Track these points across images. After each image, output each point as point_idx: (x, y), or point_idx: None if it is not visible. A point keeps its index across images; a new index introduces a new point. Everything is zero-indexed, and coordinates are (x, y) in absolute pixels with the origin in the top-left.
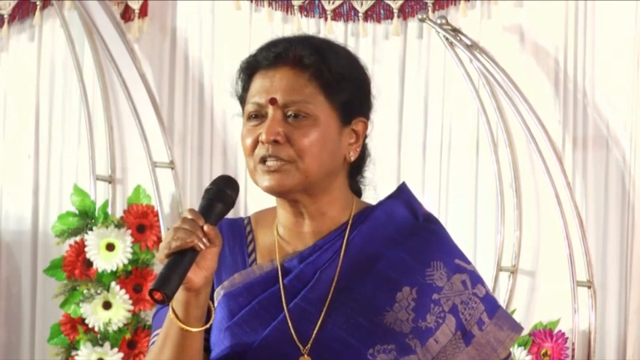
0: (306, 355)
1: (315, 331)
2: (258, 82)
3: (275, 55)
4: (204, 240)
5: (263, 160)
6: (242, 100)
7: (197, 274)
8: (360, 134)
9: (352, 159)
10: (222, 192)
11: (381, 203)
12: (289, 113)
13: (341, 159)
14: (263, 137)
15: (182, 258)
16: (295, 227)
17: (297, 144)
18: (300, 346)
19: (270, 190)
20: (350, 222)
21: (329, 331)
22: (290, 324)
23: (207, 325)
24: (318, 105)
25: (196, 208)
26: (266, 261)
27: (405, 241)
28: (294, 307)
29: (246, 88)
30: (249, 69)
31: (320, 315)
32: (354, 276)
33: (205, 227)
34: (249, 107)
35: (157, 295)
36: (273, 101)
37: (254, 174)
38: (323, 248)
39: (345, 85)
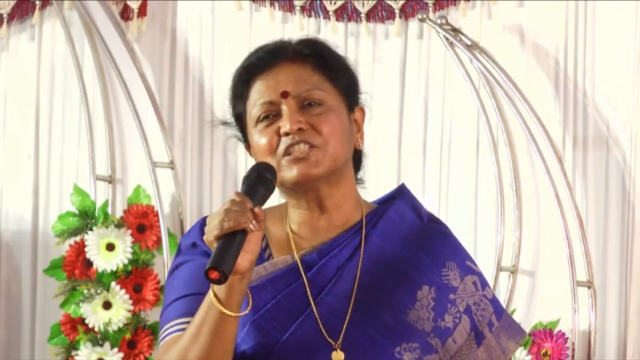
0: (338, 350)
1: (344, 327)
2: (261, 84)
3: (271, 54)
4: (254, 222)
5: (288, 153)
6: (240, 113)
7: (243, 258)
8: (361, 123)
9: (360, 146)
10: (262, 177)
11: (390, 204)
12: (304, 103)
13: (352, 146)
14: (287, 128)
15: (233, 239)
16: (310, 222)
17: (321, 129)
18: (331, 340)
19: (302, 178)
20: (364, 221)
21: (357, 328)
22: (318, 319)
23: (247, 311)
24: (327, 91)
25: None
26: (282, 255)
27: (419, 241)
28: (321, 302)
29: (244, 96)
30: (247, 74)
31: (347, 311)
32: (376, 274)
33: (255, 209)
34: (257, 110)
35: (214, 275)
36: (285, 94)
37: (278, 172)
38: (342, 244)
39: (344, 72)
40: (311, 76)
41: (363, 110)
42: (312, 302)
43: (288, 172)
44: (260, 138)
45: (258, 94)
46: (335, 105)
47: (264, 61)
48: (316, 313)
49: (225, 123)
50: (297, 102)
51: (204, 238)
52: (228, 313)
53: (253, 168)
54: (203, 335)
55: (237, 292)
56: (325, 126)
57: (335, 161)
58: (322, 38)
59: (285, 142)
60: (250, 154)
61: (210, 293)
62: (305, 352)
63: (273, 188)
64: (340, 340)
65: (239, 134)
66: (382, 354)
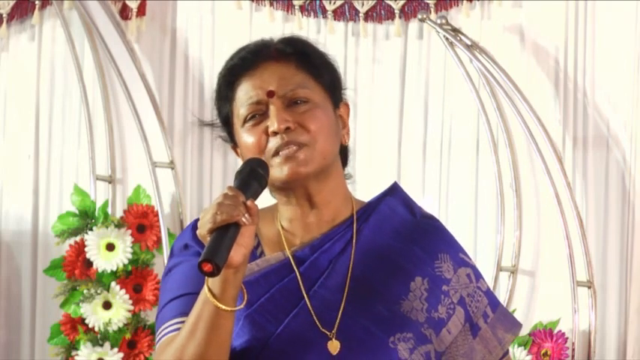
0: (334, 339)
1: (338, 318)
2: (247, 85)
3: (254, 54)
4: (247, 215)
5: (277, 153)
6: (227, 114)
7: (237, 251)
8: (346, 118)
9: (347, 142)
10: (255, 172)
11: (382, 199)
12: (290, 102)
13: (339, 142)
14: (274, 127)
15: (226, 232)
16: (301, 218)
17: (309, 127)
18: (325, 331)
19: (294, 176)
20: (355, 216)
21: (351, 319)
22: (312, 311)
23: (242, 306)
24: (312, 89)
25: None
26: (274, 252)
27: (411, 234)
28: (314, 295)
29: (230, 98)
30: (231, 75)
31: (340, 303)
32: (368, 266)
33: (248, 202)
34: (244, 111)
35: (207, 267)
36: (271, 94)
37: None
38: (334, 239)
39: (327, 69)
40: (295, 74)
41: (347, 106)
42: (305, 295)
43: (279, 172)
44: (248, 137)
45: (245, 94)
46: (321, 102)
47: (247, 61)
48: (310, 306)
49: (202, 123)
50: (283, 101)
51: (198, 232)
52: (224, 307)
53: (246, 163)
54: (199, 332)
55: (231, 287)
56: (313, 123)
57: (324, 158)
58: (304, 36)
59: (273, 141)
60: (237, 154)
61: (205, 289)
62: (300, 344)
63: (266, 183)
64: (335, 330)
65: (224, 135)
66: (377, 344)
